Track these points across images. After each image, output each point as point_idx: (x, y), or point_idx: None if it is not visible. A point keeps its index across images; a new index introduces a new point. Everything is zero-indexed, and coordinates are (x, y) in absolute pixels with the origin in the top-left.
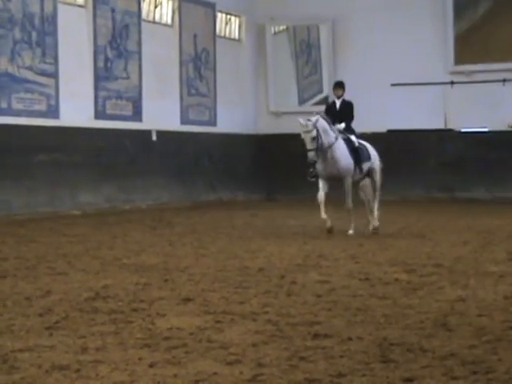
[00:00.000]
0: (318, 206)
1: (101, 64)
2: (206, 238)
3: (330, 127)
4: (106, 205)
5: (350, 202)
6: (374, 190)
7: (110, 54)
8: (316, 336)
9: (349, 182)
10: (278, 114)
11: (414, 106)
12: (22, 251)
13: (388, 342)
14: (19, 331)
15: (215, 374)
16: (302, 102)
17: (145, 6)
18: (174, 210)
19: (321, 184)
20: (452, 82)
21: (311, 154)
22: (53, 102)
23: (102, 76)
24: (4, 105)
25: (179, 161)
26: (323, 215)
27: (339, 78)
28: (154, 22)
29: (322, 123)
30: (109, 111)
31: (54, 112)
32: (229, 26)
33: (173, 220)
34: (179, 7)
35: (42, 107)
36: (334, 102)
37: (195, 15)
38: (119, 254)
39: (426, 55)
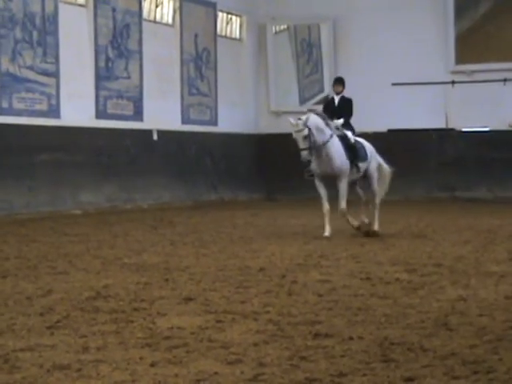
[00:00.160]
0: (320, 210)
1: (102, 63)
2: (206, 237)
3: (326, 123)
4: (107, 204)
5: (343, 204)
6: (373, 194)
7: (110, 53)
8: (317, 335)
9: (344, 182)
10: (278, 114)
11: (415, 105)
12: (23, 251)
13: (389, 342)
14: (20, 331)
15: (216, 373)
16: (302, 101)
17: (146, 6)
18: (175, 210)
19: (320, 190)
20: (453, 82)
21: (304, 154)
22: (54, 102)
23: (102, 75)
24: (5, 104)
25: (180, 160)
26: (327, 231)
27: (342, 76)
28: (154, 21)
29: (314, 121)
30: (110, 111)
31: (54, 112)
32: (230, 25)
33: (174, 219)
34: (180, 7)
35: (43, 107)
36: (332, 98)
37: (196, 15)
38: (120, 253)
39: (426, 55)
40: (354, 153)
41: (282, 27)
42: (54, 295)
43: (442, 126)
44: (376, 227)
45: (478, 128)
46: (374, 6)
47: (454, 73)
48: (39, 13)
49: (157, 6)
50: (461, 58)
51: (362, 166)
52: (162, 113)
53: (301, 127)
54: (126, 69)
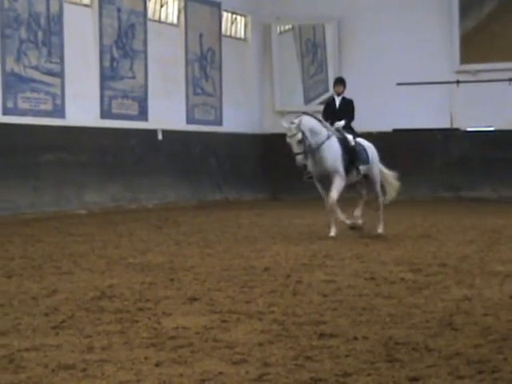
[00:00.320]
0: (330, 211)
1: (107, 63)
2: (211, 237)
3: (322, 124)
4: (111, 204)
5: (335, 195)
6: (376, 196)
7: (115, 53)
8: (322, 335)
9: (338, 178)
10: (283, 114)
11: (420, 105)
12: (28, 251)
13: (394, 342)
14: (25, 330)
15: (221, 373)
16: (307, 101)
17: (151, 6)
18: (179, 210)
19: (320, 190)
20: (458, 82)
21: (299, 158)
22: (59, 102)
23: (107, 75)
24: (10, 104)
25: (185, 160)
26: (333, 231)
27: (345, 78)
28: (159, 21)
29: (308, 123)
30: (115, 111)
31: (59, 111)
32: (234, 25)
33: (179, 219)
34: (185, 7)
35: (48, 107)
36: (333, 99)
37: (201, 15)
38: (125, 253)
39: (431, 54)
40: (354, 155)
41: (287, 27)
42: (58, 295)
43: (447, 125)
44: (381, 230)
45: (482, 128)
46: (379, 6)
47: (459, 72)
48: (44, 13)
49: (161, 6)
50: (465, 58)
51: (363, 168)
52: (167, 113)
53: (294, 131)
54: (130, 69)
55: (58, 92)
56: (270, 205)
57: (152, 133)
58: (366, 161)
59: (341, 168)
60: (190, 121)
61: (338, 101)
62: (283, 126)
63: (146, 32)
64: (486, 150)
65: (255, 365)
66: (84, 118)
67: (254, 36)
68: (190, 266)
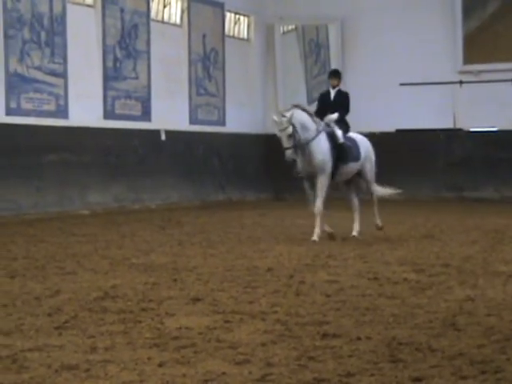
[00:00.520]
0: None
1: (110, 64)
2: (214, 237)
3: (313, 119)
4: (114, 204)
5: (319, 204)
6: (371, 193)
7: (118, 53)
8: (325, 336)
9: (322, 181)
10: None
11: (423, 105)
12: (31, 251)
13: (397, 342)
14: (28, 331)
15: (224, 373)
16: (310, 101)
17: (154, 6)
18: (183, 210)
19: (308, 192)
20: (461, 82)
21: (288, 153)
22: (62, 102)
23: (110, 76)
24: (13, 105)
25: (188, 160)
26: (316, 234)
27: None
28: (162, 21)
29: (299, 117)
30: (118, 111)
31: (62, 112)
32: (237, 25)
33: (182, 220)
34: (188, 7)
35: (51, 107)
36: (328, 92)
37: (204, 15)
38: (128, 253)
39: (434, 55)
40: (342, 153)
41: (290, 27)
42: (62, 295)
43: (450, 126)
44: (379, 221)
45: (485, 128)
46: (382, 7)
47: (462, 73)
48: (47, 13)
49: (165, 7)
50: (469, 58)
51: (353, 166)
52: (170, 113)
53: (285, 125)
54: (134, 69)
55: (61, 92)
56: (273, 205)
57: (155, 133)
58: (357, 157)
59: (328, 167)
60: (193, 121)
61: (333, 93)
62: (273, 119)
63: (149, 32)
64: (489, 150)
65: (258, 365)
66: (87, 119)
67: (257, 36)
68: (193, 266)
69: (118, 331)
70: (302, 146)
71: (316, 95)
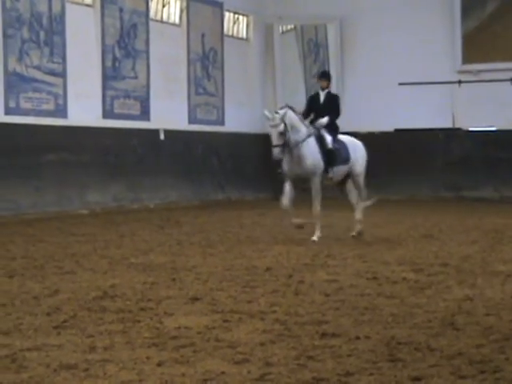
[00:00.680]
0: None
1: (109, 63)
2: (213, 237)
3: (302, 123)
4: (113, 204)
5: (317, 206)
6: (358, 193)
7: (117, 53)
8: (324, 335)
9: (316, 183)
10: None
11: (422, 105)
12: (29, 250)
13: (396, 341)
14: (27, 330)
15: (223, 373)
16: None
17: (153, 6)
18: (181, 210)
19: (286, 188)
20: (460, 82)
21: (276, 151)
22: (61, 102)
23: (109, 75)
24: (12, 104)
25: (187, 160)
26: (294, 220)
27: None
28: (161, 21)
29: (291, 118)
30: (117, 110)
31: (61, 111)
32: (236, 25)
33: (181, 219)
34: (187, 6)
35: (50, 106)
36: (317, 94)
37: (203, 14)
38: (127, 253)
39: (433, 54)
40: (331, 157)
41: (289, 27)
42: (60, 295)
43: (449, 125)
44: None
45: (484, 128)
46: (381, 6)
47: (461, 72)
48: (46, 13)
49: (164, 6)
50: (467, 58)
51: (342, 169)
52: (169, 112)
53: (277, 121)
54: (133, 69)
55: (60, 92)
56: (272, 205)
57: (154, 133)
58: (346, 159)
59: (319, 169)
60: (192, 121)
61: (322, 96)
62: (265, 114)
63: (148, 32)
64: (488, 149)
65: (257, 364)
66: (86, 118)
67: (256, 36)
68: (192, 265)
69: (117, 331)
70: (290, 147)
71: None
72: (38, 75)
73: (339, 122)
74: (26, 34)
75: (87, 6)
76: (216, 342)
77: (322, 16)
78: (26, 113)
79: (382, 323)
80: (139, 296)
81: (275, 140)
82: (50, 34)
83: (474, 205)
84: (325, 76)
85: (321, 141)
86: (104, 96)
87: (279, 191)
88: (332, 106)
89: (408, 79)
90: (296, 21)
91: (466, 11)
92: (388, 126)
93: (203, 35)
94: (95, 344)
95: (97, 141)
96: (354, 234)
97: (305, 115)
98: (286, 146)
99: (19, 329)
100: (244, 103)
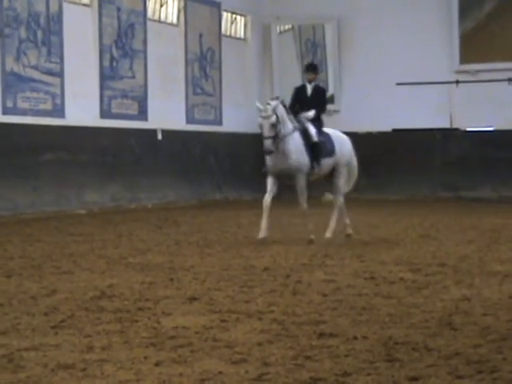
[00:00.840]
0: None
1: (106, 63)
2: (211, 237)
3: (289, 117)
4: (111, 204)
5: (304, 203)
6: (335, 192)
7: (115, 53)
8: (321, 335)
9: (301, 179)
10: None
11: (420, 105)
12: (27, 250)
13: (393, 341)
14: (25, 330)
15: (221, 372)
16: None
17: (150, 6)
18: (179, 209)
19: (269, 184)
20: (457, 81)
21: (268, 143)
22: (58, 101)
23: (107, 75)
24: (9, 104)
25: (185, 160)
26: (263, 224)
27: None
28: (159, 21)
29: (281, 110)
30: (114, 110)
31: (59, 111)
32: (234, 25)
33: (178, 219)
34: (185, 6)
35: (48, 106)
36: (304, 86)
37: (201, 14)
38: (125, 252)
39: (431, 54)
40: (317, 151)
41: (287, 27)
42: (58, 295)
43: (447, 125)
44: (329, 234)
45: (482, 128)
46: (379, 6)
47: (459, 72)
48: (44, 12)
49: (161, 6)
50: (465, 58)
51: (328, 161)
52: (167, 112)
53: (270, 113)
54: (130, 68)
55: (58, 92)
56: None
57: (152, 132)
58: (331, 152)
59: (305, 166)
60: (189, 120)
61: (309, 88)
62: (257, 106)
63: (145, 32)
64: (486, 149)
65: (255, 364)
66: (84, 118)
67: (253, 36)
68: (190, 265)
69: (115, 330)
70: (278, 141)
71: None
72: (36, 75)
73: (338, 120)
74: (23, 33)
75: (85, 5)
76: (214, 341)
77: (319, 16)
78: (24, 112)
79: (379, 323)
80: (137, 296)
81: (267, 131)
82: (47, 33)
83: (472, 205)
84: (312, 68)
85: (305, 134)
86: (101, 96)
87: (277, 191)
88: (319, 100)
89: (406, 79)
90: (294, 21)
91: (463, 11)
92: (386, 125)
93: (201, 35)
94: (93, 344)
95: (94, 141)
96: (347, 233)
97: (291, 107)
98: (276, 138)
99: (17, 328)
100: (242, 103)
